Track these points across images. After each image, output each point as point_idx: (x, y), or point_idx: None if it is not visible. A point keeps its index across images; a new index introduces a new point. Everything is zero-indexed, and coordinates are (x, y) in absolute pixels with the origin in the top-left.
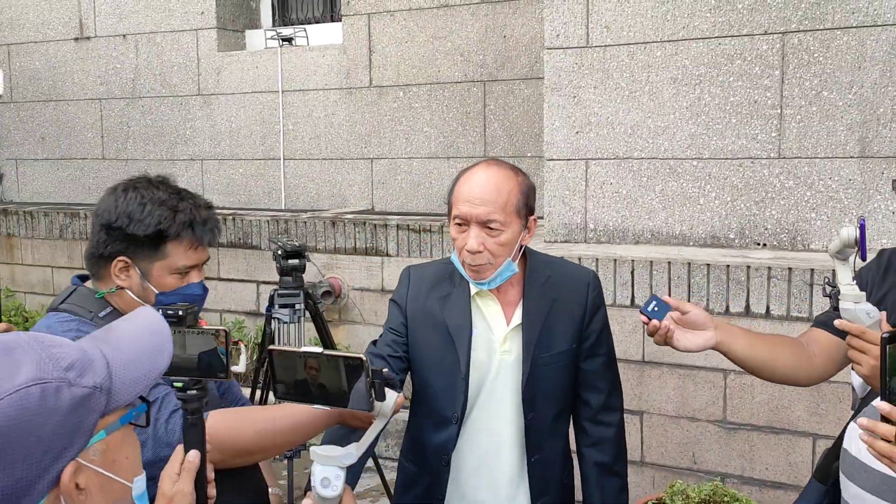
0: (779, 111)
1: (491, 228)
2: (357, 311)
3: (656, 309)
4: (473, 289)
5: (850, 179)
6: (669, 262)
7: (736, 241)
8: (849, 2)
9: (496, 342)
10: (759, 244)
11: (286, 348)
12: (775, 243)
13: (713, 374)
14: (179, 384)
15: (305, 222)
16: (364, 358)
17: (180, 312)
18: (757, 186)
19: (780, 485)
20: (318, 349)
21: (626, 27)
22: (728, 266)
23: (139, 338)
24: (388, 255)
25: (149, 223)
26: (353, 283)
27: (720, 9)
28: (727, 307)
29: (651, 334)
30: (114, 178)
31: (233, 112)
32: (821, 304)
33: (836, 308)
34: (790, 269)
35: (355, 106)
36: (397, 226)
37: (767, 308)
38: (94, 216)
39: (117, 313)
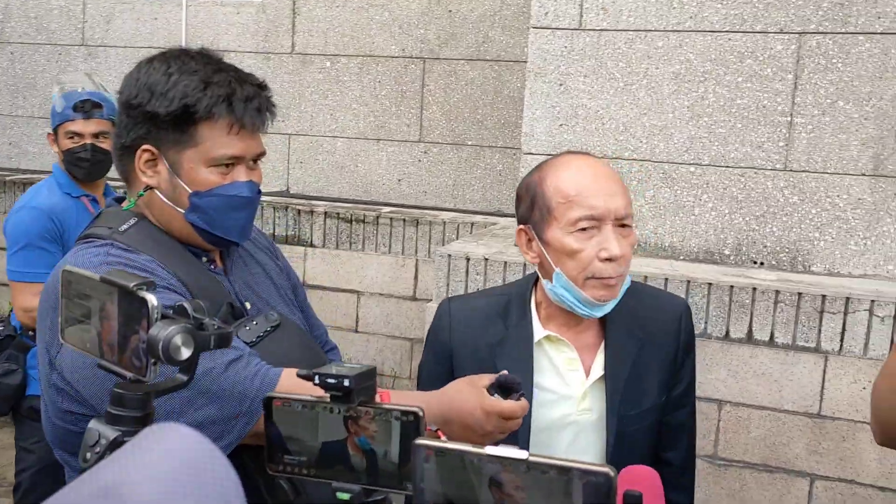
0: (789, 119)
1: (624, 226)
2: None
3: None
4: (539, 332)
5: (859, 199)
6: (666, 279)
7: (731, 257)
8: (876, 5)
9: (573, 400)
10: (755, 262)
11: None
12: (773, 262)
13: (707, 405)
14: (345, 496)
15: None
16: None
17: (346, 383)
18: (759, 199)
19: None
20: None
21: (626, 11)
22: (732, 287)
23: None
24: (312, 245)
25: (172, 96)
26: None
27: (734, 0)
28: (727, 332)
29: None
30: None
31: (123, 68)
32: (830, 335)
33: None
34: (800, 293)
35: (273, 73)
36: (325, 213)
37: (772, 335)
38: (117, 94)
39: (145, 224)
